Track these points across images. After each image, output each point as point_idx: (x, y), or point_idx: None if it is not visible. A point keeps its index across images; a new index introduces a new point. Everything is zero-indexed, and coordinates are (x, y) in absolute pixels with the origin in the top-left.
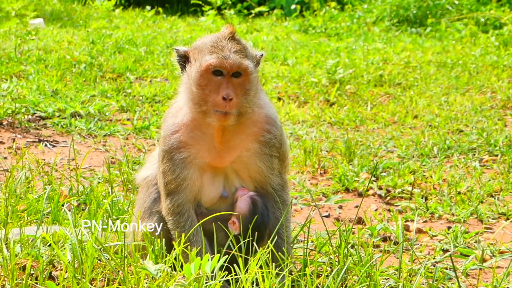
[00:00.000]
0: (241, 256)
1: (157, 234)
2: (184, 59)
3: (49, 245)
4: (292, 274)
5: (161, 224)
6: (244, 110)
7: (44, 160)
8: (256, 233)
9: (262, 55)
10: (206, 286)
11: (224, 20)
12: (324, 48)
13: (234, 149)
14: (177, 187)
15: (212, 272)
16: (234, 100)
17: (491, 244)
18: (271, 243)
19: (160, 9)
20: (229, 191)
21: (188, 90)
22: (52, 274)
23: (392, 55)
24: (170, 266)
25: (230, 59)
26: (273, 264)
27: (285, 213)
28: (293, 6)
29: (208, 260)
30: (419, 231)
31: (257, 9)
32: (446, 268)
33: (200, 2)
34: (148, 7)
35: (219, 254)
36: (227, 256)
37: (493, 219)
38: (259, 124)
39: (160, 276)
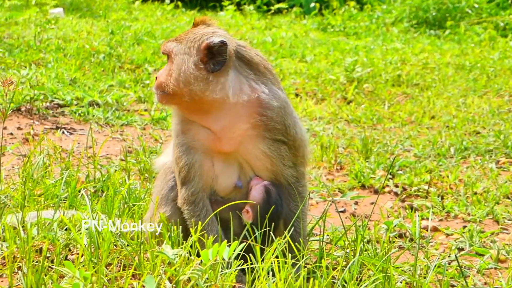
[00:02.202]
0: (256, 245)
1: (173, 221)
2: None
3: (66, 229)
4: (306, 266)
5: (177, 212)
6: (169, 89)
7: (61, 146)
8: (271, 222)
9: (222, 42)
10: (221, 274)
11: (243, 15)
12: (342, 46)
13: (229, 131)
14: (188, 174)
15: (228, 259)
16: (158, 80)
17: (507, 244)
18: (287, 233)
19: (179, 3)
20: (244, 181)
21: None
22: (68, 258)
23: (411, 55)
24: (187, 253)
25: (164, 43)
26: (289, 254)
27: (302, 206)
28: (312, 4)
29: (226, 247)
30: (435, 229)
31: (277, 6)
32: (462, 267)
33: None
34: (167, 1)
35: (236, 241)
36: (244, 244)
37: (509, 220)
38: (249, 107)
39: (177, 261)
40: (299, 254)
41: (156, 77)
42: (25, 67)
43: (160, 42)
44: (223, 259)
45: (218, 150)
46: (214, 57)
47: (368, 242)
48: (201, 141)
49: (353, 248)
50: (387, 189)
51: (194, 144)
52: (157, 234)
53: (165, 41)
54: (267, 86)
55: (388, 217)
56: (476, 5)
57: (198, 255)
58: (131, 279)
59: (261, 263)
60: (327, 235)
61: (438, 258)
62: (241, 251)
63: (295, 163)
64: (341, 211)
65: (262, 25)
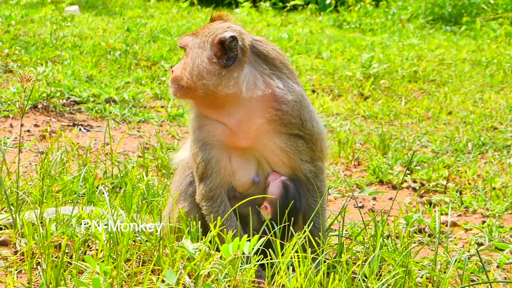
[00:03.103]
0: (276, 241)
1: (192, 216)
2: None
3: (84, 224)
4: (326, 261)
5: (196, 207)
6: (183, 83)
7: (78, 143)
8: (290, 218)
9: (232, 37)
10: (241, 269)
11: (259, 12)
12: (358, 42)
13: (244, 126)
14: (205, 170)
15: (249, 254)
16: (173, 74)
17: None
18: (307, 228)
19: (195, 0)
20: (261, 176)
21: None
22: (87, 254)
23: (427, 52)
24: (207, 248)
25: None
26: (309, 249)
27: (321, 201)
28: (328, 1)
29: (246, 241)
30: (454, 224)
31: (292, 3)
32: (481, 262)
33: None
34: None
35: (256, 236)
36: (264, 238)
37: None
38: (264, 102)
39: (197, 256)
40: (319, 249)
41: (172, 71)
42: (42, 65)
43: (176, 39)
44: (243, 253)
45: (235, 145)
46: (227, 52)
47: (387, 237)
48: (217, 137)
49: (372, 243)
50: (405, 184)
51: (210, 140)
52: (157, 233)
53: (183, 35)
54: (282, 80)
55: (407, 212)
56: (491, 1)
57: (217, 251)
58: (150, 274)
59: (281, 258)
60: (346, 231)
61: (459, 253)
62: (260, 246)
63: (313, 158)
64: (359, 207)
65: (277, 22)
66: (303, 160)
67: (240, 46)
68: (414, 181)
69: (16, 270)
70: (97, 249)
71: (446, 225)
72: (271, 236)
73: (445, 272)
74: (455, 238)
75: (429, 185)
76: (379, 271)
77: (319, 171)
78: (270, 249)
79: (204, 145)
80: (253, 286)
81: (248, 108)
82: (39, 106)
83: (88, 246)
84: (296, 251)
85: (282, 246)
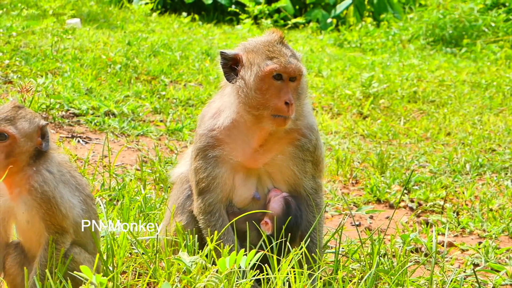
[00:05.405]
0: (273, 256)
1: (189, 230)
2: (231, 63)
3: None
4: (322, 278)
5: (193, 221)
6: (298, 114)
7: (76, 155)
8: (289, 233)
9: (300, 55)
10: (237, 284)
11: (260, 29)
12: (359, 61)
13: (269, 151)
14: (208, 186)
15: (245, 269)
16: (293, 105)
17: None
18: (304, 244)
19: (196, 16)
20: (262, 192)
21: (242, 94)
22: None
23: (427, 72)
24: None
25: (292, 64)
26: (306, 265)
27: (319, 217)
28: (329, 20)
29: (243, 255)
30: (450, 245)
31: (293, 21)
32: (477, 282)
33: (237, 10)
34: (184, 14)
35: (254, 250)
36: (260, 253)
37: None
38: (297, 130)
39: (194, 268)
40: (315, 265)
41: (292, 103)
42: (42, 76)
43: (177, 54)
44: (239, 268)
45: (249, 166)
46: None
47: (384, 255)
48: (236, 158)
49: (369, 261)
50: (402, 204)
51: (225, 157)
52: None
53: (295, 61)
54: (310, 106)
55: (404, 231)
56: (492, 24)
57: (214, 265)
58: (146, 287)
59: (277, 274)
60: (343, 248)
61: (455, 273)
62: (257, 261)
63: (314, 176)
64: (356, 225)
65: None
66: (307, 178)
67: None
68: (412, 201)
69: None
70: None
71: (443, 245)
72: (268, 251)
73: None
74: (451, 258)
75: (426, 205)
76: None
77: (319, 187)
78: (266, 264)
79: (216, 162)
80: None
81: (284, 134)
82: None
83: None
84: (293, 267)
85: (279, 261)
